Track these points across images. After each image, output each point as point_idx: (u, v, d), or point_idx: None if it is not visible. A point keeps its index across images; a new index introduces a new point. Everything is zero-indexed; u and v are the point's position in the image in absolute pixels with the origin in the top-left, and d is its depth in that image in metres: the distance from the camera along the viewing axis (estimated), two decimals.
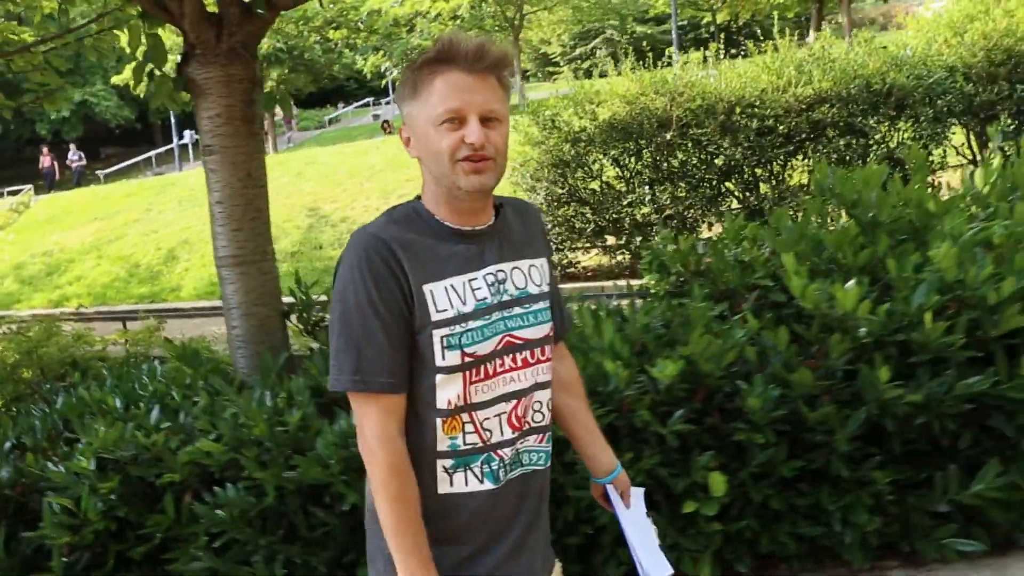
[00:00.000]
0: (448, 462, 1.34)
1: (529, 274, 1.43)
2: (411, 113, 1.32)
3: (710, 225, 6.77)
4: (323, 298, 3.35)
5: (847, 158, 6.14)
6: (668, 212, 6.66)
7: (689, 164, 6.54)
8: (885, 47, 6.34)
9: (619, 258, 6.90)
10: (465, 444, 1.34)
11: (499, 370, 1.35)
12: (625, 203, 6.74)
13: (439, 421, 1.32)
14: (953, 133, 6.09)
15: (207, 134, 3.17)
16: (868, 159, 6.06)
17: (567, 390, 1.56)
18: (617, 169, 6.86)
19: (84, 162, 25.97)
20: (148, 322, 5.73)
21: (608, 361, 2.45)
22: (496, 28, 19.84)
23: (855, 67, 6.07)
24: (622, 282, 5.07)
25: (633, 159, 6.75)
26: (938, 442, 2.52)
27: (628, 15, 29.13)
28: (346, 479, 2.46)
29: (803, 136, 6.19)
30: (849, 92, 5.98)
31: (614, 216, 6.79)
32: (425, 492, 1.32)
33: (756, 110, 6.22)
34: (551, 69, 39.11)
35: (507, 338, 1.36)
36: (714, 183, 6.52)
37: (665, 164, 6.62)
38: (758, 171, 6.44)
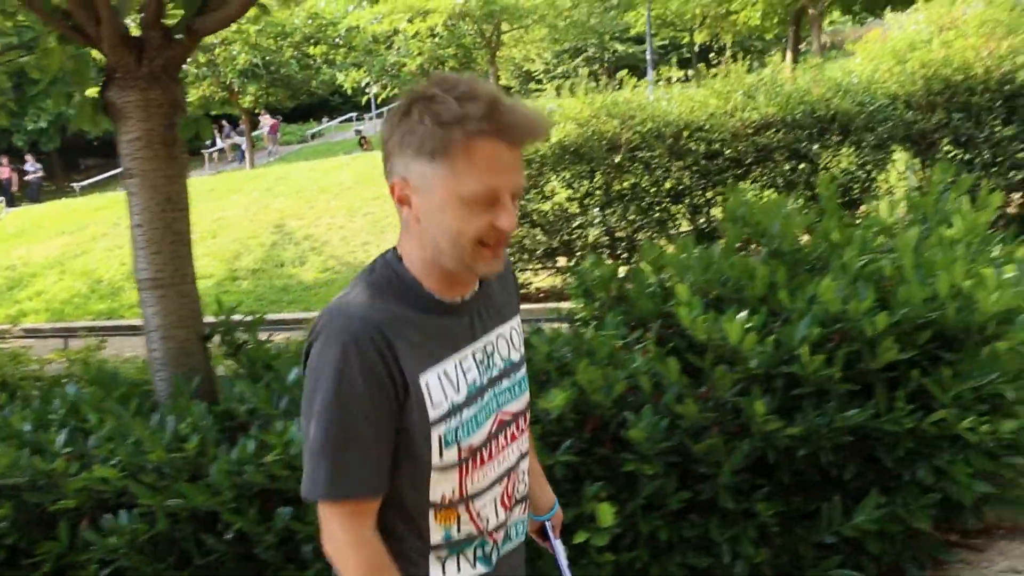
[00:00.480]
0: (442, 552, 1.23)
1: (511, 339, 1.32)
2: (425, 174, 1.11)
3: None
4: (247, 318, 3.36)
5: (793, 182, 6.22)
6: (619, 234, 6.71)
7: (639, 187, 6.60)
8: (829, 71, 6.45)
9: (570, 280, 6.92)
10: (459, 534, 1.24)
11: (493, 454, 1.25)
12: (575, 225, 6.78)
13: (432, 512, 1.21)
14: (895, 160, 6.19)
15: (126, 157, 3.17)
16: (814, 184, 6.14)
17: None
18: (569, 191, 6.90)
19: (41, 174, 25.72)
20: (90, 340, 5.68)
21: None
22: (474, 46, 19.97)
23: (800, 93, 6.17)
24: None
25: (585, 181, 6.80)
26: (828, 473, 2.56)
27: (605, 34, 29.36)
28: (235, 507, 2.47)
29: (749, 160, 6.26)
30: (794, 118, 6.07)
31: (565, 238, 6.82)
32: None
33: (704, 134, 6.30)
34: (533, 86, 39.42)
35: (499, 417, 1.25)
36: (663, 206, 6.58)
37: (616, 187, 6.67)
38: (707, 194, 6.51)
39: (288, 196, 12.99)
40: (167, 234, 3.21)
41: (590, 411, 2.48)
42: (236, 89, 19.41)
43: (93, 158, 37.67)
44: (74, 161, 37.12)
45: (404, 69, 20.80)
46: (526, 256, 6.87)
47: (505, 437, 1.26)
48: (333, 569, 1.20)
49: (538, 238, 6.90)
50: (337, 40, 19.55)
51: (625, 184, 6.65)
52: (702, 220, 6.54)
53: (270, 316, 8.18)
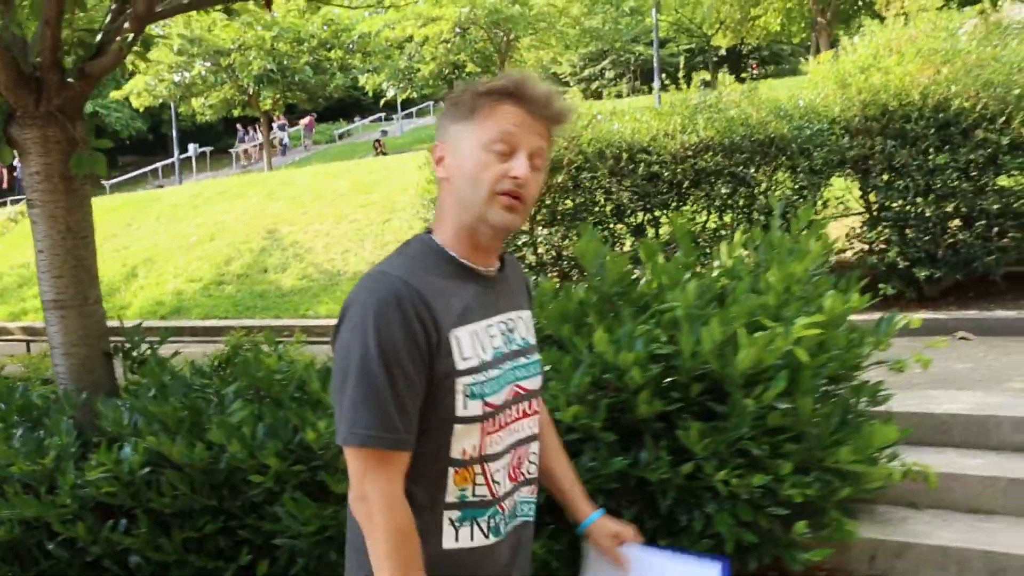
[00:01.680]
0: (455, 514, 1.29)
1: (528, 325, 1.44)
2: (458, 131, 1.29)
3: None
4: (153, 339, 3.54)
5: (730, 205, 6.24)
6: (566, 253, 6.78)
7: (583, 208, 6.66)
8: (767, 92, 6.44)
9: None
10: (474, 496, 1.30)
11: (508, 421, 1.33)
12: (520, 243, 6.88)
13: (451, 471, 1.28)
14: (830, 185, 6.16)
15: (29, 189, 3.41)
16: (752, 208, 6.15)
17: (546, 433, 1.54)
18: None
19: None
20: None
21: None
22: (486, 53, 20.13)
23: (742, 116, 6.17)
24: None
25: None
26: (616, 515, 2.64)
27: (617, 40, 29.26)
28: (72, 518, 2.68)
29: (687, 184, 6.29)
30: (732, 141, 6.07)
31: (512, 253, 6.92)
32: (429, 548, 1.26)
33: (646, 156, 6.33)
34: (560, 89, 39.42)
35: (515, 388, 1.34)
36: (607, 226, 6.63)
37: (560, 207, 6.75)
38: (649, 215, 6.55)
39: (286, 201, 13.27)
40: (68, 259, 3.41)
41: None
42: (251, 93, 19.84)
43: (131, 155, 38.74)
44: (113, 159, 38.19)
45: (418, 74, 21.05)
46: None
47: (519, 410, 1.36)
48: (348, 520, 1.30)
49: None
50: (351, 45, 19.93)
51: (570, 204, 6.72)
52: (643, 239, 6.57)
53: (246, 322, 8.41)
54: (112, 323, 3.67)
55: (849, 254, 6.41)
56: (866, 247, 6.15)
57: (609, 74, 39.17)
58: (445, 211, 1.32)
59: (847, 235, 6.30)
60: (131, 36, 3.37)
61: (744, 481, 2.34)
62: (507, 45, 19.21)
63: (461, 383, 1.24)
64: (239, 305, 9.53)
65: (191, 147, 26.57)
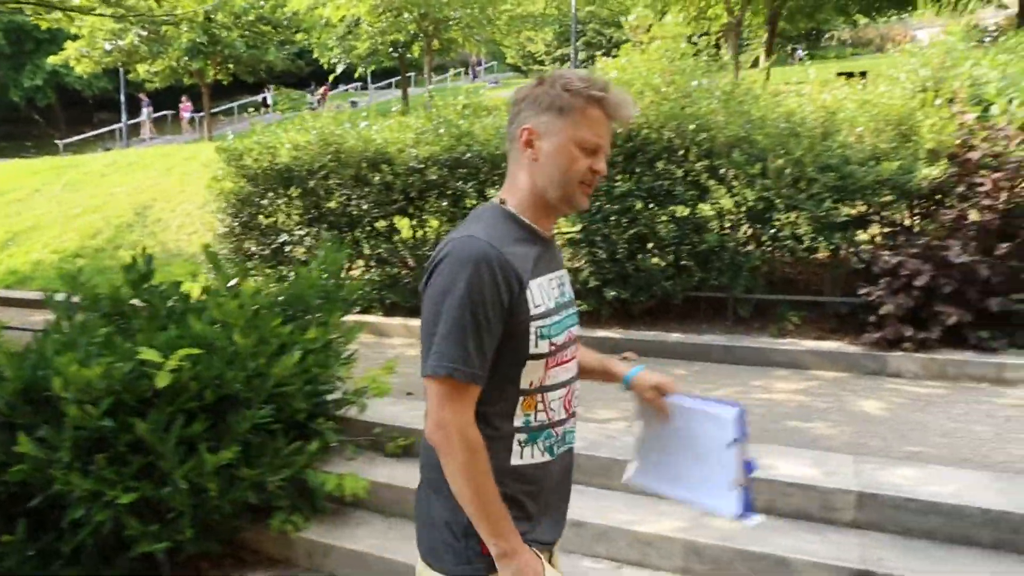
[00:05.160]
0: (523, 436, 1.56)
1: (568, 282, 1.72)
2: (552, 124, 1.55)
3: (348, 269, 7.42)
4: None
5: (451, 218, 6.64)
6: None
7: (334, 211, 7.09)
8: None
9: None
10: (536, 421, 1.57)
11: (564, 359, 1.60)
12: (281, 240, 7.31)
13: (520, 399, 1.55)
14: None
15: None
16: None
17: None
18: (286, 209, 7.44)
19: None
20: None
21: None
22: (413, 35, 20.36)
23: (466, 131, 6.55)
24: None
25: (297, 201, 7.32)
26: None
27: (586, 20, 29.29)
28: None
29: (413, 194, 6.69)
30: (451, 156, 6.46)
31: (276, 248, 7.39)
32: (500, 463, 1.52)
33: (383, 167, 6.73)
34: (536, 67, 39.49)
35: (569, 332, 1.63)
36: (350, 232, 7.07)
37: (314, 210, 7.18)
38: (380, 224, 6.97)
39: (179, 176, 13.64)
40: None
41: None
42: (181, 64, 20.15)
43: (105, 113, 38.83)
44: (90, 116, 38.31)
45: (354, 52, 21.33)
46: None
47: (571, 352, 1.64)
48: (424, 457, 1.59)
49: (255, 250, 7.50)
50: (286, 21, 20.25)
51: (324, 207, 7.14)
52: (379, 248, 7.03)
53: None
54: None
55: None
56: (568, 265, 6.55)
57: (582, 55, 39.20)
58: (523, 183, 1.59)
59: None
60: None
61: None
62: (432, 30, 19.43)
63: (535, 325, 1.51)
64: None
65: (144, 110, 26.90)
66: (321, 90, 32.36)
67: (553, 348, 1.55)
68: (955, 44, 5.90)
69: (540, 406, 1.56)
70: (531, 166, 1.56)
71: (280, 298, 3.78)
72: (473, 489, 1.44)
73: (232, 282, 3.75)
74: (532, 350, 1.51)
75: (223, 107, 30.06)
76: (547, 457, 1.59)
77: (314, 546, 3.64)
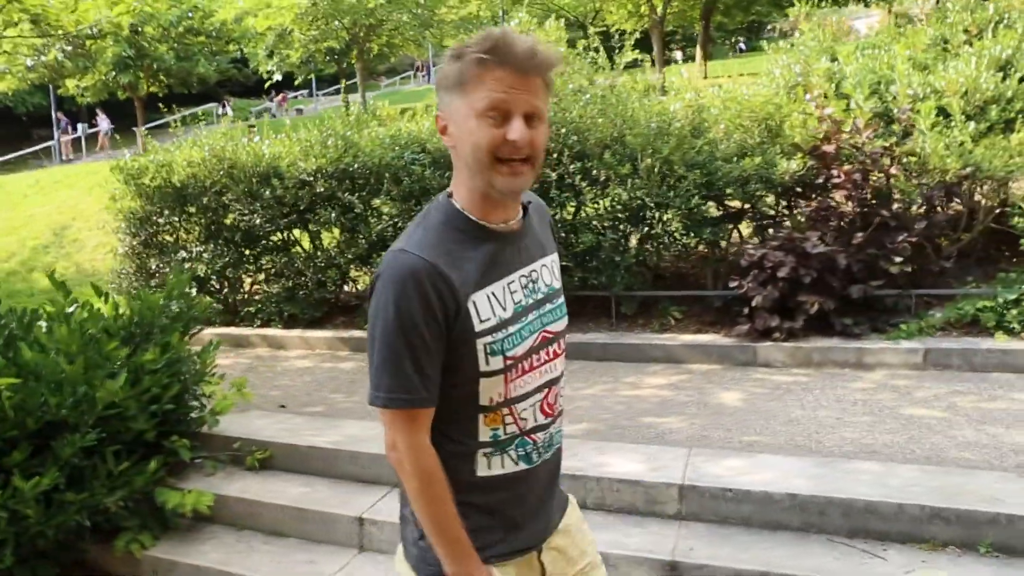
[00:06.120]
0: (488, 450, 1.45)
1: (552, 270, 1.54)
2: (452, 102, 1.35)
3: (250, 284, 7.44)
4: None
5: (343, 228, 6.69)
6: (222, 270, 7.20)
7: (230, 227, 7.10)
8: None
9: None
10: (506, 433, 1.45)
11: (535, 364, 1.46)
12: (180, 258, 7.29)
13: (481, 416, 1.43)
14: (418, 209, 6.57)
15: None
16: (356, 233, 6.62)
17: None
18: (186, 226, 7.42)
19: None
20: None
21: None
22: (347, 41, 20.32)
23: (353, 142, 6.60)
24: None
25: (195, 219, 7.31)
26: None
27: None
28: None
29: (303, 208, 6.73)
30: (337, 168, 6.51)
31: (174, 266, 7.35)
32: (465, 477, 1.43)
33: (273, 181, 6.76)
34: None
35: (543, 334, 1.48)
36: (248, 246, 7.08)
37: (213, 226, 7.18)
38: (276, 238, 7.00)
39: (99, 194, 13.44)
40: None
41: None
42: (108, 79, 19.87)
43: (44, 129, 37.97)
44: (27, 132, 37.37)
45: (288, 60, 21.23)
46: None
47: (549, 352, 1.49)
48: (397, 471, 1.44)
49: (153, 269, 7.49)
50: (214, 33, 20.07)
51: (221, 223, 7.14)
52: (279, 262, 7.04)
53: None
54: None
55: None
56: None
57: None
58: (459, 177, 1.41)
59: None
60: None
61: None
62: (364, 34, 19.40)
63: (481, 343, 1.37)
64: None
65: (80, 126, 26.46)
66: (279, 97, 32.73)
67: (510, 362, 1.41)
68: (806, 42, 6.09)
69: (508, 419, 1.45)
70: (455, 155, 1.40)
71: (119, 321, 3.80)
72: (427, 514, 1.39)
73: (72, 308, 3.77)
74: (483, 368, 1.39)
75: (169, 118, 29.65)
76: (522, 466, 1.49)
77: (159, 563, 3.68)
